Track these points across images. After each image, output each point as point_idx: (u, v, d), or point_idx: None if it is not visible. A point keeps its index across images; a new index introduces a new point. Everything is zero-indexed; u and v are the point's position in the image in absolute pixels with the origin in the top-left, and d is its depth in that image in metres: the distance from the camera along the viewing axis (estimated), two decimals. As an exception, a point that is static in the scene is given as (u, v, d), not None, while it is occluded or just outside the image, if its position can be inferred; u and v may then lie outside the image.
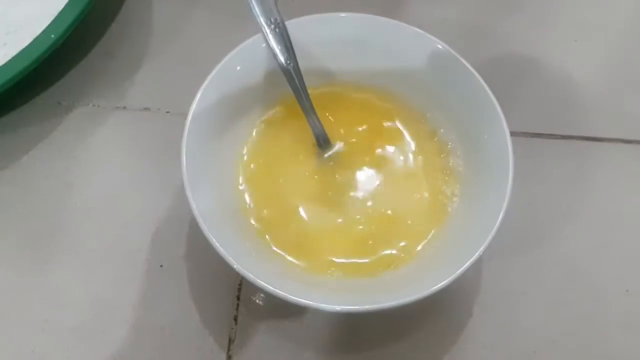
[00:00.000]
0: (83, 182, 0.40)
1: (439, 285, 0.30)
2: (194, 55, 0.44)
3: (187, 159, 0.32)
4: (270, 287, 0.30)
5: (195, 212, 0.31)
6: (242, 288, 0.37)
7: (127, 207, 0.39)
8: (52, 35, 0.38)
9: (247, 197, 0.35)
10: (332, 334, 0.36)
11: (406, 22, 0.37)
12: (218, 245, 0.31)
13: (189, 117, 0.34)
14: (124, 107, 0.42)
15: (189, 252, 0.38)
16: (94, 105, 0.42)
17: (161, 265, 0.37)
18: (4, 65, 0.38)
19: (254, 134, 0.37)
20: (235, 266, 0.30)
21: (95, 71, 0.43)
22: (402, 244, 0.35)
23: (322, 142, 0.37)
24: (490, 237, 0.31)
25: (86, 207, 0.39)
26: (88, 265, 0.37)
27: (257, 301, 0.36)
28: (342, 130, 0.37)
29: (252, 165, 0.36)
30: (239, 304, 0.36)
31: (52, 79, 0.42)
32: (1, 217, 0.38)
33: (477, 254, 0.31)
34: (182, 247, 0.38)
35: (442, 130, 0.37)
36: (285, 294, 0.30)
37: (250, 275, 0.30)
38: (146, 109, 0.42)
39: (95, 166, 0.40)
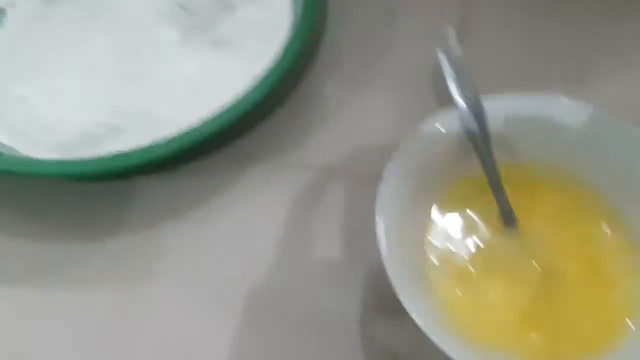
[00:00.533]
0: (262, 232, 0.42)
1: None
2: (378, 122, 0.46)
3: (385, 229, 0.34)
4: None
5: (395, 282, 0.32)
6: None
7: (303, 259, 0.40)
8: (258, 94, 0.41)
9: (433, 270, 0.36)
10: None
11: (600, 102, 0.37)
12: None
13: (383, 182, 0.35)
14: (309, 166, 0.44)
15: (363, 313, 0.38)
16: (280, 161, 0.44)
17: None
18: (207, 121, 0.41)
19: (440, 202, 0.38)
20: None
21: (282, 129, 0.46)
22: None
23: (508, 220, 0.37)
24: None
25: (265, 259, 0.41)
26: (268, 312, 0.39)
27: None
28: (528, 211, 0.37)
29: (436, 240, 0.37)
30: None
31: (242, 133, 0.45)
32: (184, 253, 0.41)
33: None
34: (357, 314, 0.39)
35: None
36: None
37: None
38: (329, 168, 0.44)
39: (274, 219, 0.42)
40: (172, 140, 0.40)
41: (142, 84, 0.45)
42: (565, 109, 0.38)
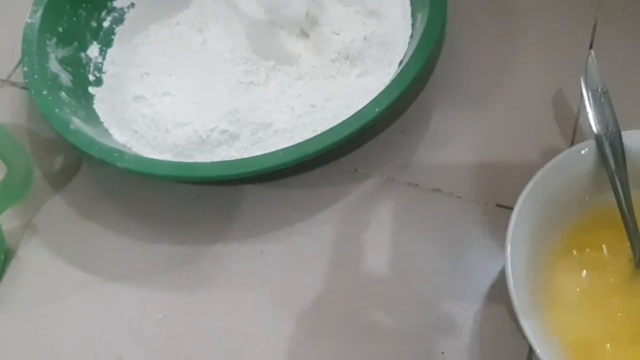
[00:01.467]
0: (368, 249, 0.41)
1: None
2: (491, 147, 0.44)
3: (511, 250, 0.32)
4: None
5: (517, 308, 0.31)
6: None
7: (405, 284, 0.39)
8: (377, 109, 0.40)
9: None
10: None
11: None
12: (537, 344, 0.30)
13: (516, 209, 0.33)
14: (416, 185, 0.43)
15: (473, 344, 0.37)
16: (387, 177, 0.44)
17: (442, 352, 0.37)
18: (322, 134, 0.40)
19: (567, 235, 0.36)
20: None
21: (391, 146, 0.45)
22: None
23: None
24: None
25: (369, 274, 0.40)
26: (363, 332, 0.38)
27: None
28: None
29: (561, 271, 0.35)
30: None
31: (352, 147, 0.45)
32: (289, 264, 0.41)
33: None
34: (466, 338, 0.37)
35: None
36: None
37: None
38: (437, 189, 0.43)
39: (381, 236, 0.41)
40: (286, 151, 0.40)
41: (260, 92, 0.45)
42: None
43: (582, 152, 0.35)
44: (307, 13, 0.48)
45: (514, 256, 0.32)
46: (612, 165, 0.35)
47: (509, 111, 0.46)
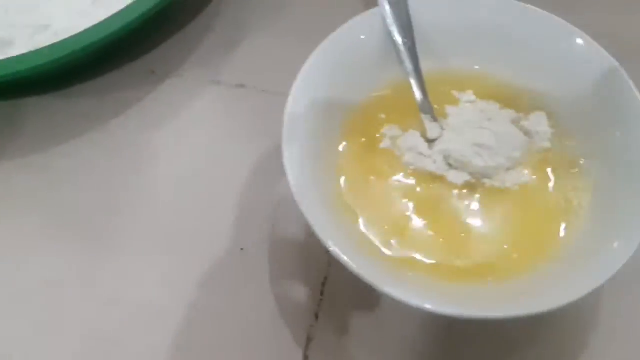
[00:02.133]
0: (168, 154, 0.38)
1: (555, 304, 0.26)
2: (295, 33, 0.41)
3: (288, 134, 0.30)
4: (368, 278, 0.26)
5: (295, 189, 0.28)
6: (326, 283, 0.33)
7: (211, 184, 0.36)
8: (156, -5, 0.36)
9: (342, 179, 0.32)
10: (419, 341, 0.32)
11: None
12: (316, 225, 0.27)
13: (293, 92, 0.31)
14: (218, 82, 0.40)
15: (274, 238, 0.35)
16: (187, 77, 0.40)
17: (242, 249, 0.34)
18: (98, 25, 0.36)
19: (356, 113, 0.34)
20: (331, 248, 0.27)
21: (192, 44, 0.41)
22: (515, 256, 0.31)
23: (425, 108, 0.33)
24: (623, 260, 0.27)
25: (169, 180, 0.37)
26: (164, 241, 0.35)
27: (341, 299, 0.33)
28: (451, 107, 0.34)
29: (350, 145, 0.33)
30: (322, 300, 0.33)
31: (146, 47, 0.41)
32: (82, 179, 0.37)
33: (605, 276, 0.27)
34: (267, 232, 0.35)
35: (574, 138, 0.33)
36: (390, 290, 0.26)
37: (347, 261, 0.27)
38: (241, 85, 0.40)
39: (182, 139, 0.38)
40: (63, 43, 0.36)
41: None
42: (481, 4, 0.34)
43: (367, 20, 0.33)
44: None
45: (293, 145, 0.30)
46: (400, 34, 0.33)
47: (305, 2, 0.43)
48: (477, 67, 0.35)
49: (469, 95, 0.34)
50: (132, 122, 0.39)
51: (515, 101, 0.34)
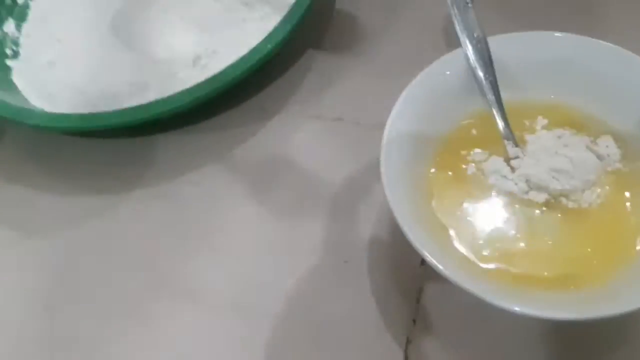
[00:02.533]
0: (279, 178, 0.43)
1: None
2: (386, 72, 0.47)
3: (385, 159, 0.35)
4: (466, 285, 0.31)
5: (394, 208, 0.33)
6: (423, 290, 0.38)
7: (317, 205, 0.42)
8: (268, 45, 0.42)
9: (434, 201, 0.36)
10: (510, 344, 0.35)
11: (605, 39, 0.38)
12: (415, 240, 0.32)
13: (388, 123, 0.36)
14: (319, 116, 0.45)
15: (374, 252, 0.39)
16: (292, 113, 0.46)
17: (345, 261, 0.39)
18: (222, 71, 0.43)
19: (445, 141, 0.38)
20: (429, 260, 0.31)
21: (296, 83, 0.47)
22: (594, 266, 0.34)
23: (508, 136, 0.37)
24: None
25: (280, 200, 0.42)
26: (272, 252, 0.40)
27: (437, 306, 0.37)
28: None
29: (440, 170, 0.37)
30: (418, 307, 0.37)
31: (258, 88, 0.47)
32: (206, 205, 0.43)
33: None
34: (368, 246, 0.40)
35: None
36: (482, 294, 0.30)
37: (443, 270, 0.31)
38: (339, 119, 0.45)
39: (290, 166, 0.44)
40: (191, 90, 0.42)
41: (165, 43, 0.47)
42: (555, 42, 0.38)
43: (452, 59, 0.38)
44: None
45: (390, 169, 0.35)
46: (482, 70, 0.38)
47: (394, 43, 0.48)
48: (552, 96, 0.39)
49: (545, 123, 0.38)
50: (247, 153, 0.45)
51: (585, 126, 0.38)
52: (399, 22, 0.49)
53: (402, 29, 0.49)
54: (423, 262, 0.38)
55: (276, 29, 0.43)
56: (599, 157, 0.36)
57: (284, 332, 0.38)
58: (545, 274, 0.34)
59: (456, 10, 0.38)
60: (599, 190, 0.35)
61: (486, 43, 0.38)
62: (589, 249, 0.34)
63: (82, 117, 0.42)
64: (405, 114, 0.37)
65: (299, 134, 0.45)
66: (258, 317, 0.38)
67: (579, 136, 0.37)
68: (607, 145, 0.37)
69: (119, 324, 0.39)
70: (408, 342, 0.36)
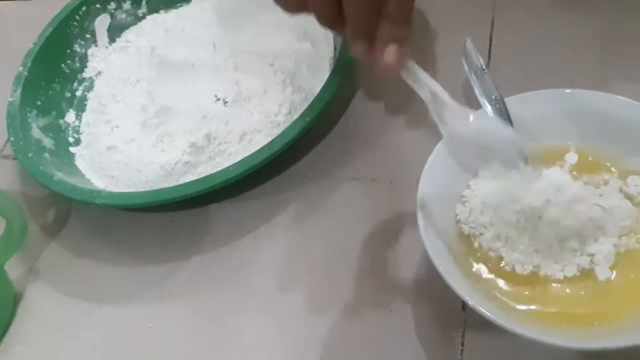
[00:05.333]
0: (320, 240, 0.47)
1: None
2: (415, 133, 0.51)
3: (421, 214, 0.38)
4: (506, 325, 0.34)
5: (435, 259, 0.36)
6: (465, 335, 0.41)
7: (361, 260, 0.45)
8: (307, 119, 0.47)
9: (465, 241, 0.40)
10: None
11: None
12: (457, 288, 0.35)
13: (423, 177, 0.40)
14: (357, 178, 0.50)
15: (416, 300, 0.43)
16: (331, 177, 0.50)
17: (390, 310, 0.43)
18: (271, 142, 0.48)
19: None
20: (470, 303, 0.35)
21: (333, 149, 0.52)
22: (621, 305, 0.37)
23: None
24: None
25: (323, 258, 0.46)
26: (321, 309, 0.44)
27: (482, 347, 0.40)
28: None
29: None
30: (463, 350, 0.40)
31: (299, 155, 0.52)
32: (259, 265, 0.47)
33: None
34: (410, 295, 0.43)
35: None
36: (526, 333, 0.34)
37: (487, 313, 0.34)
38: (374, 179, 0.49)
39: (332, 226, 0.48)
40: (239, 164, 0.47)
41: (215, 127, 0.52)
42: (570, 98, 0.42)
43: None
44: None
45: (426, 222, 0.38)
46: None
47: (418, 106, 0.50)
48: (569, 143, 0.42)
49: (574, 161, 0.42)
50: (291, 216, 0.49)
51: (608, 168, 0.41)
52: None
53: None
54: (464, 307, 0.42)
55: (313, 103, 0.48)
56: (629, 197, 0.39)
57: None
58: (579, 311, 0.37)
59: (474, 77, 0.43)
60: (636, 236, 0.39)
61: (504, 103, 0.42)
62: (618, 291, 0.37)
63: (144, 194, 0.47)
64: (435, 172, 0.41)
65: (338, 195, 0.49)
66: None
67: (610, 180, 0.40)
68: (637, 184, 0.40)
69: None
70: (456, 383, 0.39)
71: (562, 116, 0.42)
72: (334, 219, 0.48)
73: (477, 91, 0.43)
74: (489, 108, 0.42)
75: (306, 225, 0.49)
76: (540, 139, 0.42)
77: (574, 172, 0.41)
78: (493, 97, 0.42)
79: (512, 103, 0.42)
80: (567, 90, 0.42)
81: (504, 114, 0.42)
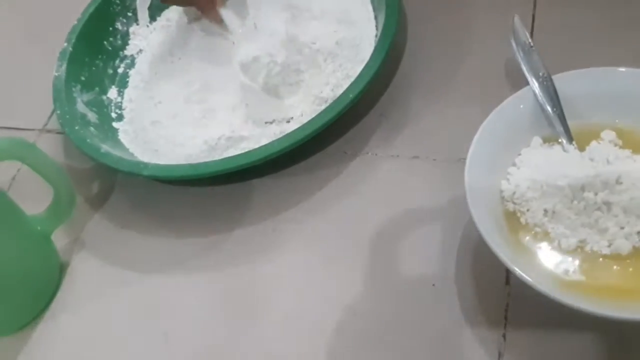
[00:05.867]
0: (359, 217, 0.48)
1: None
2: (457, 111, 0.51)
3: (470, 194, 0.39)
4: (554, 294, 0.34)
5: (481, 228, 0.37)
6: (508, 309, 0.41)
7: (402, 236, 0.46)
8: (350, 95, 0.48)
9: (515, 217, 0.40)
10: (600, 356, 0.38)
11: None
12: (505, 259, 0.36)
13: (469, 155, 0.40)
14: (397, 156, 0.50)
15: (459, 275, 0.43)
16: (372, 154, 0.51)
17: (433, 285, 0.43)
18: (312, 119, 0.48)
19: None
20: (518, 273, 0.35)
21: (373, 127, 0.52)
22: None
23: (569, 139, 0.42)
24: None
25: (366, 232, 0.47)
26: (365, 280, 0.44)
27: (525, 321, 0.40)
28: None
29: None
30: (507, 323, 0.40)
31: (340, 133, 0.52)
32: (300, 238, 0.48)
33: None
34: (454, 270, 0.43)
35: None
36: (571, 301, 0.34)
37: (532, 282, 0.35)
38: (416, 157, 0.50)
39: (373, 202, 0.48)
40: (277, 142, 0.48)
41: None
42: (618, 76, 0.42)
43: (520, 97, 0.42)
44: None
45: (474, 195, 0.39)
46: (549, 105, 0.42)
47: (461, 86, 0.53)
48: (617, 121, 0.42)
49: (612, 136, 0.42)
50: (333, 192, 0.50)
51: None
52: (464, 67, 0.54)
53: (468, 72, 0.53)
54: (507, 281, 0.42)
55: (356, 81, 0.49)
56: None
57: (378, 353, 0.41)
58: (623, 285, 0.37)
59: (522, 53, 0.43)
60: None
61: (551, 80, 0.42)
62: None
63: (190, 166, 0.48)
64: (483, 149, 0.41)
65: (379, 172, 0.50)
66: (355, 338, 0.42)
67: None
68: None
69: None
70: (500, 355, 0.39)
71: (609, 95, 0.42)
72: (374, 195, 0.49)
73: (524, 68, 0.43)
74: (536, 85, 0.42)
75: (347, 202, 0.49)
76: (588, 116, 0.42)
77: (620, 147, 0.41)
78: (540, 74, 0.42)
79: (559, 80, 0.42)
80: (621, 69, 0.42)
81: (552, 91, 0.42)
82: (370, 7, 0.57)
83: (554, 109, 0.42)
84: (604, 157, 0.39)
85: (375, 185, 0.49)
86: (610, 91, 0.42)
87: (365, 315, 0.43)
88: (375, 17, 0.56)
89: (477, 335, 0.41)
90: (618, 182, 0.38)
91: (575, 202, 0.39)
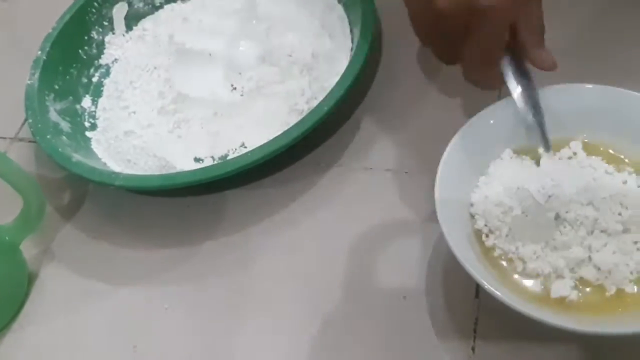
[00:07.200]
0: (333, 229, 0.48)
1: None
2: (431, 127, 0.51)
3: (440, 206, 0.39)
4: (523, 309, 0.34)
5: (451, 243, 0.37)
6: (478, 321, 0.41)
7: (374, 248, 0.46)
8: (325, 107, 0.48)
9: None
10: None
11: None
12: (473, 271, 0.36)
13: (441, 164, 0.40)
14: (371, 168, 0.50)
15: (429, 287, 0.43)
16: (346, 166, 0.51)
17: (404, 297, 0.43)
18: (287, 131, 0.48)
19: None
20: (486, 287, 0.35)
21: (347, 139, 0.52)
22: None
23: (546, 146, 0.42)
24: None
25: (337, 245, 0.47)
26: (335, 288, 0.44)
27: (494, 334, 0.40)
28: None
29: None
30: (476, 336, 0.41)
31: (315, 145, 0.52)
32: (272, 251, 0.47)
33: None
34: (424, 283, 0.43)
35: None
36: (540, 317, 0.34)
37: (503, 297, 0.35)
38: (389, 169, 0.50)
39: (346, 214, 0.48)
40: (253, 152, 0.47)
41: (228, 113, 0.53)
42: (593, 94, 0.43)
43: (503, 105, 0.43)
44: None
45: (444, 210, 0.39)
46: (530, 112, 0.42)
47: (439, 97, 0.53)
48: (584, 136, 0.43)
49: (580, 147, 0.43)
50: (306, 204, 0.50)
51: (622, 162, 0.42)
52: (438, 80, 0.54)
53: (442, 86, 0.54)
54: (477, 294, 0.42)
55: (331, 93, 0.49)
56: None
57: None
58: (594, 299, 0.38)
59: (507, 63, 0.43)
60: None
61: (536, 90, 0.42)
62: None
63: (162, 177, 0.47)
64: (454, 160, 0.41)
65: (353, 185, 0.50)
66: (328, 350, 0.42)
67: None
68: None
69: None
70: (469, 368, 0.39)
71: (577, 111, 0.43)
72: (347, 208, 0.49)
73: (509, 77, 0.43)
74: (518, 90, 0.42)
75: (320, 214, 0.49)
76: (556, 131, 0.43)
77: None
78: (525, 80, 0.42)
79: (544, 95, 0.43)
80: (588, 86, 0.43)
81: (535, 99, 0.42)
82: (346, 21, 0.57)
83: (536, 116, 0.42)
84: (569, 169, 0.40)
85: (348, 198, 0.49)
86: (578, 107, 0.43)
87: (336, 327, 0.43)
88: (351, 31, 0.56)
89: (446, 347, 0.41)
90: (579, 198, 0.39)
91: (534, 217, 0.39)
